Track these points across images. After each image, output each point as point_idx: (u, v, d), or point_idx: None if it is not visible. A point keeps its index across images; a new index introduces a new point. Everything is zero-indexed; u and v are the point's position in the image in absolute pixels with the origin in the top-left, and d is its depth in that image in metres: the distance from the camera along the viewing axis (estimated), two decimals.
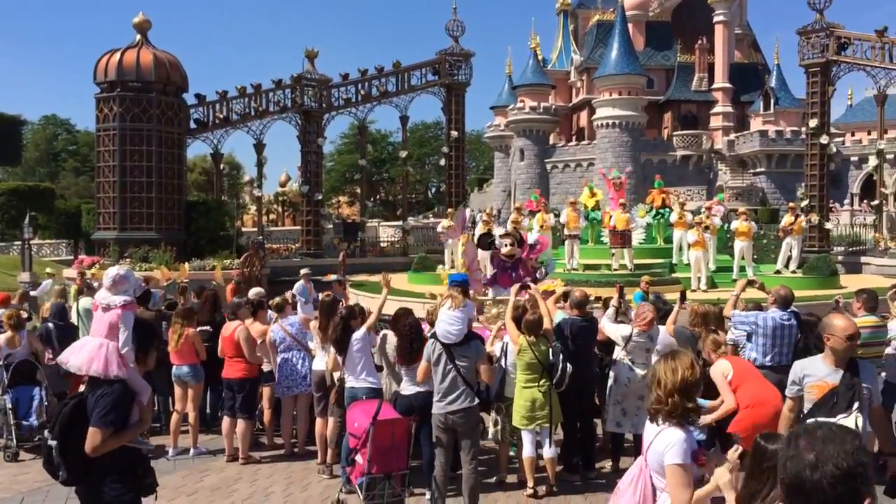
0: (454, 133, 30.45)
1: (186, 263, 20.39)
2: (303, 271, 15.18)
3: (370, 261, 28.12)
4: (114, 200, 23.30)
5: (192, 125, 26.09)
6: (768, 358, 7.58)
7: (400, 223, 33.59)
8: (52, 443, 4.13)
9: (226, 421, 8.73)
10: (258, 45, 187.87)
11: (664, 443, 3.65)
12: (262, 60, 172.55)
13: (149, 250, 21.92)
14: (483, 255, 13.89)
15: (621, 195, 20.67)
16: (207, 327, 9.37)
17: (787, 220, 20.43)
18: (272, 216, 58.92)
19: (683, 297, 9.40)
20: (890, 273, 21.34)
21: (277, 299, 9.24)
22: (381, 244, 32.67)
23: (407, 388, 7.31)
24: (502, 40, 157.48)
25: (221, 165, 29.18)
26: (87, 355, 4.20)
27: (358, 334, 7.53)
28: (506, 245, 11.49)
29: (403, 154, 32.31)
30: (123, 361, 4.29)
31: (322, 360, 8.34)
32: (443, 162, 31.63)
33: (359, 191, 44.44)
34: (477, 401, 6.76)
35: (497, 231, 13.58)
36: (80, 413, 4.17)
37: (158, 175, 23.38)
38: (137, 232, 23.07)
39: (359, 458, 6.72)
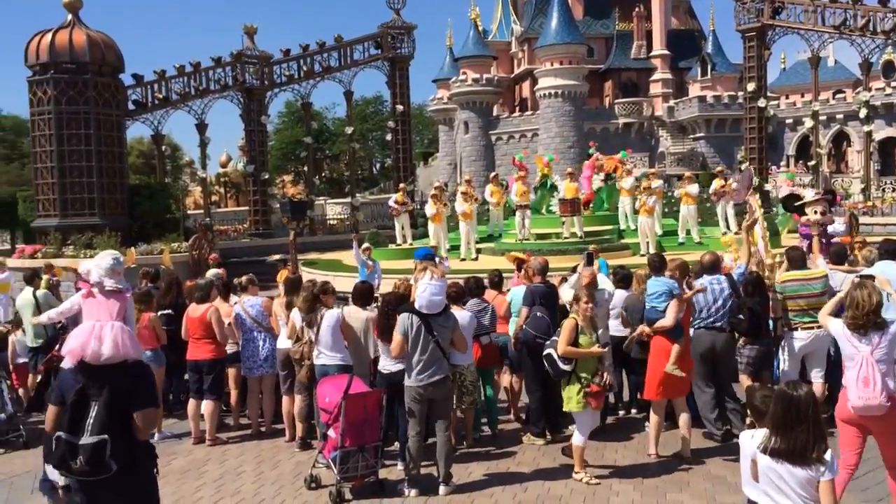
0: (399, 107, 30.31)
1: (133, 248, 19.98)
2: (364, 245, 14.64)
3: (320, 239, 27.98)
4: (53, 187, 22.65)
5: (131, 106, 25.50)
6: (700, 320, 7.89)
7: (348, 200, 33.38)
8: (94, 440, 3.99)
9: (191, 403, 8.66)
10: (194, 22, 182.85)
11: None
12: (200, 38, 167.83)
13: (92, 236, 21.41)
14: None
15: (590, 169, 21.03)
16: (170, 311, 9.23)
17: (717, 183, 20.87)
18: (214, 197, 57.81)
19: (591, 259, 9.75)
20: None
21: (243, 278, 9.15)
22: (331, 222, 32.46)
23: (391, 366, 7.35)
24: (442, 12, 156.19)
25: (163, 147, 28.52)
26: (112, 341, 4.14)
27: (332, 312, 7.57)
28: (815, 212, 10.69)
29: (349, 130, 32.05)
30: (137, 342, 4.41)
31: (286, 338, 8.32)
32: (389, 137, 31.49)
33: (305, 169, 43.90)
34: (449, 370, 6.87)
35: (808, 193, 12.44)
36: (115, 404, 4.09)
37: (98, 159, 22.79)
38: (79, 218, 22.52)
39: (331, 433, 6.76)
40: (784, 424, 3.73)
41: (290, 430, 8.42)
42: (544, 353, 7.09)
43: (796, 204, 11.20)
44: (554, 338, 7.08)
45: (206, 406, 8.50)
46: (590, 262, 9.71)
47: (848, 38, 26.42)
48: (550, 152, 51.20)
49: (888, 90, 49.94)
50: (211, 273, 10.12)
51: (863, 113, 27.39)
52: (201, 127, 27.27)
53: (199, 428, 8.63)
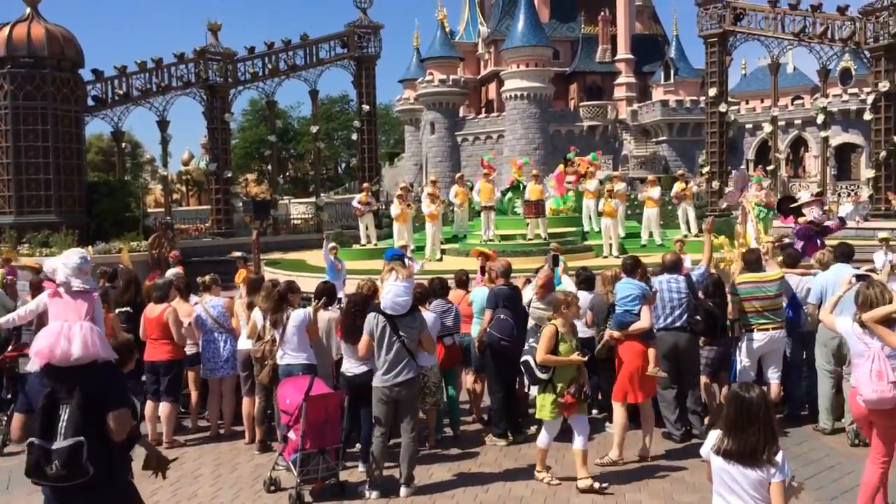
0: (365, 107, 30.18)
1: (90, 247, 19.62)
2: (330, 245, 14.54)
3: (283, 238, 27.77)
4: (8, 183, 22.20)
5: (90, 102, 25.02)
6: (661, 320, 7.94)
7: (312, 199, 33.15)
8: (69, 442, 3.88)
9: (148, 405, 8.49)
10: (156, 18, 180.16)
11: None
12: (162, 34, 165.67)
13: (49, 234, 21.00)
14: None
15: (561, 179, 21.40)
16: (128, 308, 9.06)
17: (678, 187, 21.16)
18: (176, 196, 57.10)
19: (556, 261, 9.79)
20: (784, 233, 22.48)
21: (206, 278, 9.01)
22: (294, 221, 32.18)
23: (354, 368, 7.29)
24: (409, 12, 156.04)
25: (122, 144, 28.05)
26: (82, 342, 4.04)
27: (299, 312, 7.50)
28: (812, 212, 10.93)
29: (314, 129, 31.80)
30: (107, 342, 4.32)
31: (246, 338, 8.22)
32: (354, 136, 31.33)
33: (269, 168, 43.49)
34: (418, 371, 6.84)
35: (803, 195, 12.56)
36: (88, 405, 3.99)
37: (56, 155, 22.38)
38: (35, 216, 22.10)
39: (291, 435, 6.69)
40: (736, 426, 3.75)
41: (250, 433, 8.32)
42: (521, 360, 6.93)
43: (792, 206, 11.37)
44: (532, 344, 6.92)
45: (163, 408, 8.36)
46: (556, 264, 9.75)
47: (807, 46, 26.94)
48: (516, 154, 51.57)
49: (845, 97, 51.07)
50: (171, 272, 9.95)
51: (820, 119, 27.93)
52: (163, 124, 26.86)
53: (156, 430, 8.48)
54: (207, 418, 8.96)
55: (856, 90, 51.00)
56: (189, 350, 8.68)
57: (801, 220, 10.98)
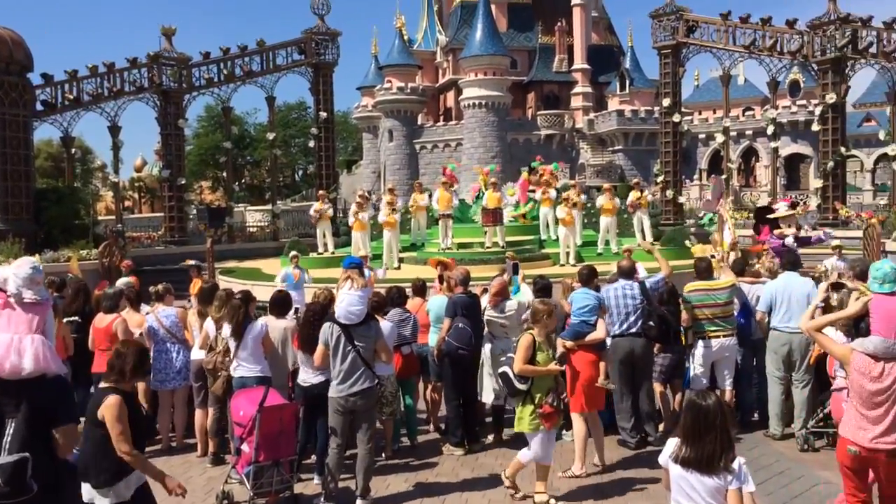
0: (323, 114, 29.99)
1: (38, 255, 19.10)
2: (291, 253, 14.48)
3: (239, 246, 27.43)
4: None
5: (39, 107, 24.42)
6: (616, 327, 8.03)
7: (269, 207, 32.79)
8: (13, 458, 3.76)
9: None
10: (109, 22, 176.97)
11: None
12: (115, 39, 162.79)
13: None
14: None
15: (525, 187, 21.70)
16: (76, 318, 8.83)
17: (633, 195, 21.39)
18: (128, 203, 55.99)
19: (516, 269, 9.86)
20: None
21: (160, 287, 8.83)
22: (250, 229, 31.73)
23: (310, 378, 7.19)
24: (367, 20, 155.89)
25: (73, 150, 27.40)
26: (34, 355, 3.90)
27: (258, 322, 7.38)
28: (789, 226, 11.03)
29: (271, 136, 31.45)
30: (57, 355, 4.23)
31: (198, 348, 8.07)
32: (312, 143, 31.08)
33: (224, 174, 42.90)
34: (376, 381, 6.77)
35: (781, 207, 12.52)
36: (35, 420, 3.86)
37: (3, 161, 21.83)
38: None
39: (245, 447, 6.57)
40: (693, 434, 3.78)
41: (203, 445, 8.16)
42: (499, 371, 6.85)
43: (768, 217, 11.54)
44: (510, 355, 6.83)
45: None
46: (515, 272, 9.78)
47: (757, 58, 27.56)
48: (475, 161, 51.74)
49: (794, 108, 52.41)
50: (121, 282, 9.73)
51: (770, 130, 28.56)
52: (114, 129, 26.32)
53: None
54: (158, 430, 8.77)
55: (804, 102, 52.40)
56: None
57: (776, 231, 11.19)
